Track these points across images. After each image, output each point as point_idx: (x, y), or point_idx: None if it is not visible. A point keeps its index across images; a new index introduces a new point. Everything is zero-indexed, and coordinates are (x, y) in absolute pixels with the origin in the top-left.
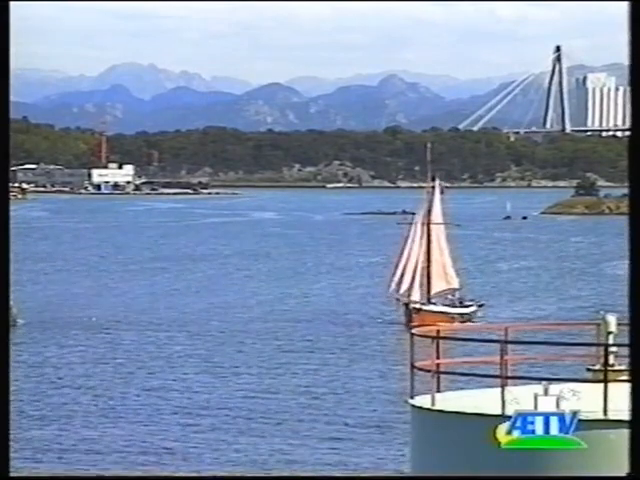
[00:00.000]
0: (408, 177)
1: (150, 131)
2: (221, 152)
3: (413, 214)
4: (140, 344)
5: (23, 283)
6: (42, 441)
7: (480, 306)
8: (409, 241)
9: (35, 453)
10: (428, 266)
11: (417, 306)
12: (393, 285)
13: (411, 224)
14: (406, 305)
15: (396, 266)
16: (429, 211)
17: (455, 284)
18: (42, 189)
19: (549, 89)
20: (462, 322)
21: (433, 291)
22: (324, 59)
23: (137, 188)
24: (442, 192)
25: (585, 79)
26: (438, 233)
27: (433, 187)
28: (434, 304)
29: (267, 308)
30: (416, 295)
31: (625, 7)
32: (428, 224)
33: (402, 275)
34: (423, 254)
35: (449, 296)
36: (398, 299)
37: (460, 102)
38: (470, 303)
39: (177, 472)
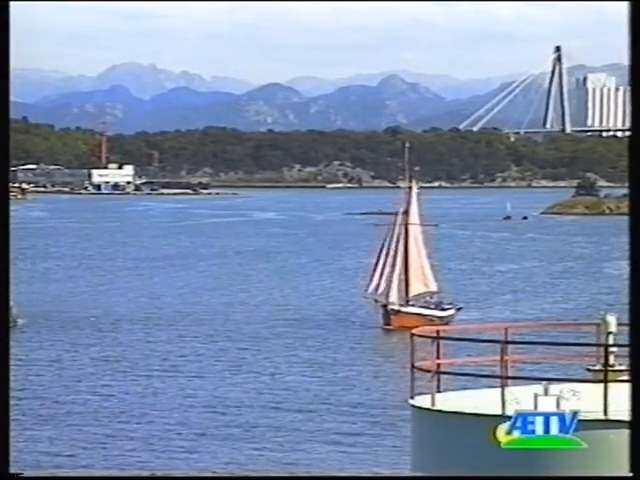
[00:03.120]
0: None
1: (150, 131)
2: (221, 152)
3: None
4: (140, 343)
5: (23, 283)
6: (42, 440)
7: (458, 309)
8: (387, 242)
9: (35, 452)
10: (406, 268)
11: (395, 307)
12: (372, 286)
13: (388, 225)
14: (384, 306)
15: (374, 267)
16: (406, 212)
17: (433, 287)
18: (42, 189)
19: (549, 89)
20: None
21: (411, 294)
22: (324, 59)
23: (137, 188)
24: (418, 193)
25: (585, 79)
26: (416, 234)
27: (410, 187)
28: (412, 306)
29: (266, 308)
30: (394, 297)
31: (625, 7)
32: (406, 225)
33: (380, 276)
34: (401, 255)
35: (427, 298)
36: (376, 300)
37: (460, 102)
38: (448, 306)
39: (178, 472)
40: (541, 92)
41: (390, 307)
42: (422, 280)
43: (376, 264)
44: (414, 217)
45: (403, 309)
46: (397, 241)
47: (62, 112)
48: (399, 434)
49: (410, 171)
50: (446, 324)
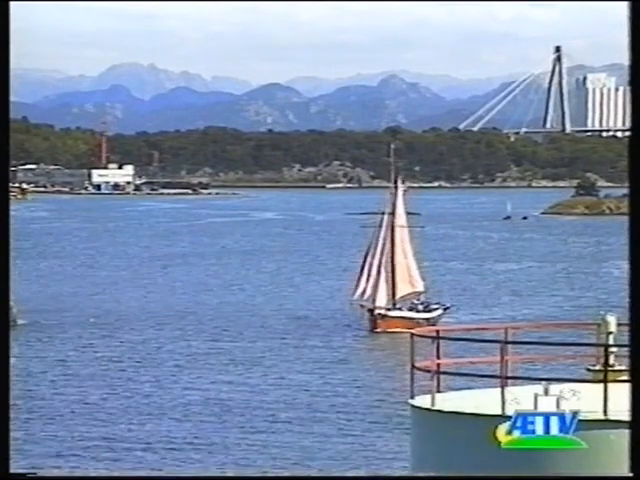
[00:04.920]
0: (408, 177)
1: (150, 131)
2: (221, 152)
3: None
4: (140, 343)
5: (24, 283)
6: (42, 440)
7: (446, 309)
8: (373, 244)
9: (35, 452)
10: (393, 269)
11: (382, 312)
12: (358, 291)
13: (375, 227)
14: (370, 311)
15: (360, 271)
16: (393, 213)
17: (420, 287)
18: (42, 189)
19: (549, 89)
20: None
21: (398, 295)
22: (324, 59)
23: (137, 188)
24: (404, 193)
25: (585, 79)
26: (402, 234)
27: (396, 188)
28: (399, 309)
29: (265, 308)
30: (381, 300)
31: (625, 7)
32: (392, 226)
33: (367, 280)
34: (387, 257)
35: (414, 300)
36: (362, 305)
37: (460, 102)
38: (435, 306)
39: (178, 472)
40: (541, 92)
41: (377, 312)
42: (408, 280)
43: (362, 267)
44: (400, 217)
45: (389, 313)
46: (383, 242)
47: (62, 112)
48: (399, 434)
49: (396, 171)
50: (433, 325)
